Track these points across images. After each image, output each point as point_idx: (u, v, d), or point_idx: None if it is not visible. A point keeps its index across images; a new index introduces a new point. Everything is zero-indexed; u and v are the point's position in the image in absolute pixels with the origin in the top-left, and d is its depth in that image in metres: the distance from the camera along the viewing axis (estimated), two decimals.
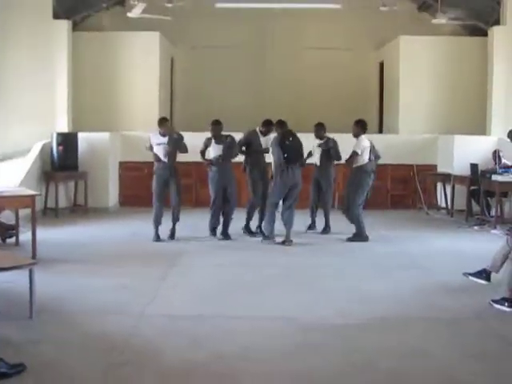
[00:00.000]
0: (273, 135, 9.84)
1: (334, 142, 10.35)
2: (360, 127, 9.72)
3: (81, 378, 4.40)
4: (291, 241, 9.34)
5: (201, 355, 4.81)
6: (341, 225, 10.28)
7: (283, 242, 9.31)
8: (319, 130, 10.42)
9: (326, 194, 10.42)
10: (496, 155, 11.58)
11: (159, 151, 9.62)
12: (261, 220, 10.03)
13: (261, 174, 10.02)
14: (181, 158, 12.95)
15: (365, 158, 9.53)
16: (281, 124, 9.76)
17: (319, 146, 10.26)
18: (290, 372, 4.56)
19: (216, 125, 9.86)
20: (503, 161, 11.63)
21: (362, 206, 9.73)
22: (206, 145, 9.95)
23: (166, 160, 9.61)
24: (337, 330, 5.47)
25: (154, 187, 9.73)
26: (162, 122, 9.85)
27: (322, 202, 10.49)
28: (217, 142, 9.79)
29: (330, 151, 10.30)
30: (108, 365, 4.61)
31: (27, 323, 5.44)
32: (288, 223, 9.40)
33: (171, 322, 5.59)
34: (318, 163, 10.37)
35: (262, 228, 9.80)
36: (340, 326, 5.58)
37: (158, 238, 9.58)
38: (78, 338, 5.16)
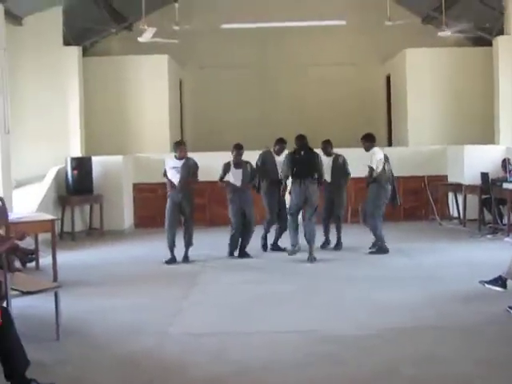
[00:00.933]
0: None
1: (344, 159, 10.45)
2: (369, 140, 9.83)
3: None
4: (315, 258, 9.33)
5: (224, 370, 4.94)
6: (355, 238, 10.41)
7: (308, 259, 9.32)
8: (327, 146, 10.48)
9: (338, 210, 10.44)
10: (506, 164, 11.67)
11: (173, 175, 9.57)
12: (277, 238, 10.27)
13: (276, 193, 10.13)
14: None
15: (378, 169, 9.60)
16: (298, 138, 9.74)
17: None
18: (311, 382, 4.68)
19: (240, 149, 9.86)
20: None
21: (381, 218, 9.78)
22: (225, 171, 9.87)
23: (177, 184, 9.55)
24: (354, 341, 5.58)
25: (167, 212, 9.68)
26: (178, 145, 9.79)
27: (334, 218, 10.51)
28: (236, 167, 9.82)
29: (342, 167, 10.39)
30: (134, 382, 4.72)
31: (54, 345, 5.58)
32: (310, 240, 9.40)
33: (194, 340, 5.72)
34: (329, 179, 10.42)
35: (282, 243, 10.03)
36: (357, 337, 5.69)
37: (172, 261, 9.55)
38: (104, 357, 5.30)
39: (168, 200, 9.74)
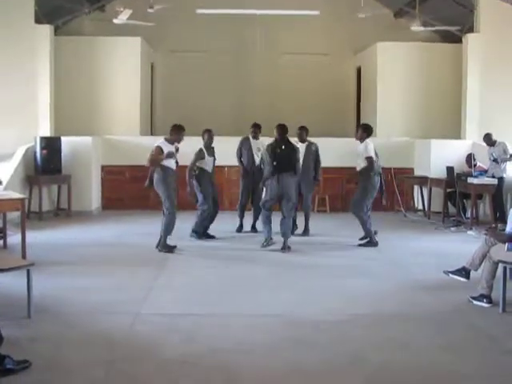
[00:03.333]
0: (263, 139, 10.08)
1: (316, 147, 10.54)
2: (363, 131, 9.70)
3: (82, 373, 4.57)
4: (289, 247, 9.28)
5: (196, 350, 5.03)
6: (323, 227, 10.56)
7: (281, 249, 9.27)
8: (302, 133, 10.55)
9: (306, 198, 10.58)
10: (471, 158, 11.93)
11: (170, 160, 9.26)
12: (254, 219, 10.51)
13: (250, 177, 10.42)
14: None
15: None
16: (281, 129, 9.49)
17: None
18: (282, 364, 4.79)
19: (210, 132, 9.99)
20: (478, 164, 11.98)
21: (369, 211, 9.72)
22: (201, 157, 9.80)
23: (174, 168, 9.27)
24: (324, 326, 5.70)
25: (171, 195, 9.19)
26: (181, 129, 9.38)
27: (303, 206, 10.61)
28: (209, 155, 9.89)
29: (314, 155, 10.48)
30: (107, 360, 4.79)
31: (26, 322, 5.60)
32: (285, 234, 9.33)
33: (166, 320, 5.79)
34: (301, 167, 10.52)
35: (259, 229, 10.10)
36: (327, 322, 5.81)
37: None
38: (76, 335, 5.34)
39: (167, 184, 9.15)
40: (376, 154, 9.63)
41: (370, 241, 9.70)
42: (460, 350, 5.12)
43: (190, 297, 6.67)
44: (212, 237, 10.08)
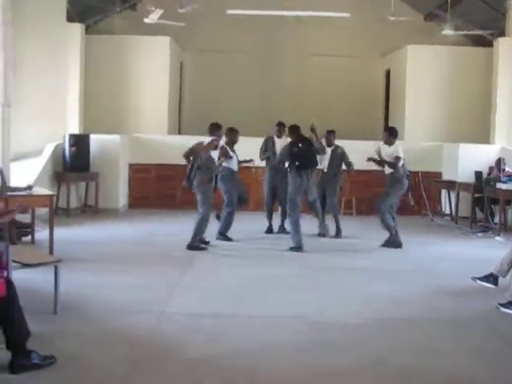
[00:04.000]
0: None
1: (343, 150, 10.54)
2: (390, 134, 9.72)
3: (106, 370, 4.59)
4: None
5: (220, 350, 5.04)
6: (350, 230, 10.54)
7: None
8: (330, 136, 10.59)
9: (331, 200, 10.60)
10: (500, 163, 11.82)
11: (233, 162, 9.61)
12: (283, 219, 10.51)
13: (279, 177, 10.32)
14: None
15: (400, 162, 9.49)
16: (292, 129, 9.72)
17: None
18: (305, 366, 4.78)
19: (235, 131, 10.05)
20: (507, 169, 11.84)
21: (395, 211, 9.71)
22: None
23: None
24: (348, 329, 5.69)
25: (210, 195, 9.28)
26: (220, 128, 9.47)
27: (328, 208, 10.64)
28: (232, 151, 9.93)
29: (340, 158, 10.49)
30: (131, 358, 4.81)
31: (52, 318, 5.66)
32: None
33: (190, 320, 5.81)
34: (326, 170, 10.55)
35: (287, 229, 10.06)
36: (350, 325, 5.81)
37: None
38: (101, 333, 5.38)
39: (207, 184, 9.24)
40: (403, 158, 9.57)
41: (390, 239, 9.58)
42: (484, 356, 5.07)
43: (214, 297, 6.69)
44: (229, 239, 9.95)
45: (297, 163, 9.27)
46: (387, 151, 9.60)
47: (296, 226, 9.36)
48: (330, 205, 10.61)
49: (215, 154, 9.26)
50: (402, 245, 9.62)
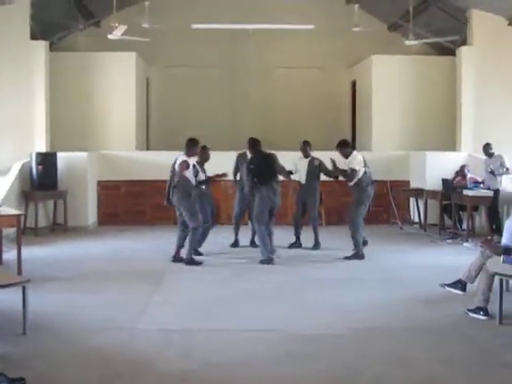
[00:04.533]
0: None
1: (320, 162, 10.58)
2: (346, 146, 9.74)
3: None
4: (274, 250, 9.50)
5: (192, 365, 5.02)
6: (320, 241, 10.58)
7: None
8: (305, 147, 10.63)
9: (311, 211, 10.63)
10: (464, 170, 12.00)
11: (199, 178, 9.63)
12: (253, 234, 10.44)
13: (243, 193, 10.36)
14: (158, 176, 13.24)
15: (360, 172, 9.48)
16: (251, 143, 9.86)
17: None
18: (278, 379, 4.79)
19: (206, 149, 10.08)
20: (469, 175, 11.98)
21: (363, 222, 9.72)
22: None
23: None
24: (321, 340, 5.69)
25: (194, 207, 9.29)
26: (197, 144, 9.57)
27: (309, 220, 10.67)
28: (202, 171, 9.90)
29: (317, 169, 10.54)
30: (104, 376, 4.77)
31: (21, 339, 5.58)
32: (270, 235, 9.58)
33: (162, 336, 5.77)
34: (304, 181, 10.59)
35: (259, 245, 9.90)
36: (323, 336, 5.80)
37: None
38: (72, 352, 5.32)
39: (195, 200, 9.41)
40: (366, 165, 9.60)
41: (356, 253, 9.63)
42: (457, 363, 5.11)
43: (186, 312, 6.66)
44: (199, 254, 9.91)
45: (255, 179, 9.35)
46: (348, 164, 9.67)
47: (264, 239, 9.37)
48: (311, 217, 10.64)
49: (190, 173, 9.25)
50: (364, 256, 9.64)
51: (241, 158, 10.58)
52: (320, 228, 10.91)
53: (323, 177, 10.71)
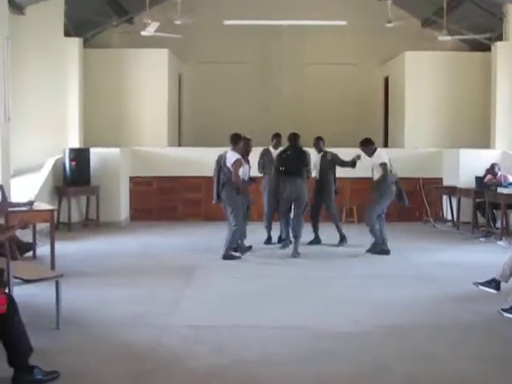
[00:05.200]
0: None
1: (332, 156, 10.56)
2: (369, 144, 9.76)
3: None
4: (298, 253, 9.53)
5: (223, 362, 5.03)
6: (348, 237, 10.53)
7: (292, 255, 9.51)
8: (318, 142, 10.62)
9: (329, 207, 10.60)
10: (494, 168, 11.83)
11: (245, 172, 9.64)
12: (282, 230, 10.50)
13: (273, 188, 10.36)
14: (190, 172, 13.29)
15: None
16: (288, 137, 10.07)
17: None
18: (308, 376, 4.77)
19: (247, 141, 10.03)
20: (499, 173, 11.79)
21: (384, 218, 9.77)
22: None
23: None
24: (350, 337, 5.67)
25: (241, 207, 9.43)
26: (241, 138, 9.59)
27: (329, 215, 10.66)
28: (246, 161, 9.88)
29: (331, 163, 10.51)
30: (134, 372, 4.80)
31: (54, 334, 5.65)
32: (296, 235, 9.65)
33: (193, 332, 5.80)
34: (318, 177, 10.58)
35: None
36: (353, 334, 5.78)
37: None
38: (103, 347, 5.37)
39: (239, 196, 9.42)
40: (390, 164, 9.63)
41: (377, 247, 9.69)
42: (488, 362, 5.05)
43: (216, 308, 6.68)
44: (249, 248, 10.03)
45: (283, 168, 9.67)
46: (372, 161, 9.69)
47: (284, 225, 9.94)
48: (331, 214, 10.62)
49: (241, 171, 9.36)
50: (390, 252, 9.68)
51: (266, 153, 10.58)
52: (352, 225, 10.84)
53: (351, 174, 10.61)
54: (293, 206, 9.85)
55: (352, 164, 10.34)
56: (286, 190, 9.67)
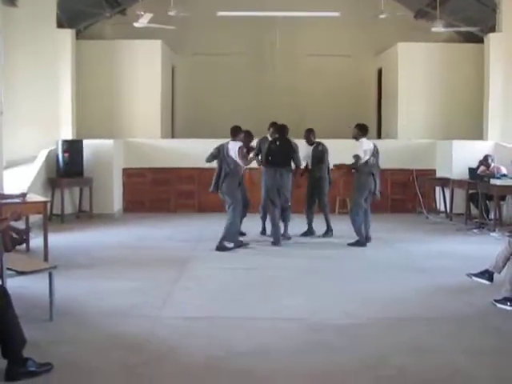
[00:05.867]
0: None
1: (323, 147, 10.57)
2: (359, 130, 9.79)
3: (103, 376, 4.59)
4: (289, 237, 10.10)
5: (217, 354, 5.02)
6: (341, 229, 10.53)
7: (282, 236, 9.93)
8: (309, 135, 10.68)
9: (320, 198, 10.62)
10: (487, 159, 11.85)
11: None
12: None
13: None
14: (183, 163, 13.29)
15: (363, 159, 9.60)
16: (277, 128, 10.25)
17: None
18: (304, 368, 4.77)
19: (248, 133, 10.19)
20: (492, 165, 11.81)
21: (366, 210, 9.83)
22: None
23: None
24: (345, 330, 5.67)
25: (240, 199, 9.61)
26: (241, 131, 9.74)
27: (319, 207, 10.69)
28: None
29: (322, 156, 10.51)
30: (128, 363, 4.79)
31: (48, 325, 5.64)
32: (284, 219, 10.09)
33: (186, 323, 5.80)
34: (311, 168, 10.59)
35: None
36: (347, 326, 5.78)
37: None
38: (97, 338, 5.36)
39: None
40: (374, 155, 9.69)
41: (358, 240, 9.74)
42: (482, 353, 5.06)
43: (209, 300, 6.68)
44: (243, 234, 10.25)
45: (270, 158, 9.88)
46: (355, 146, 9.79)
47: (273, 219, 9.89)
48: (322, 204, 10.64)
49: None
50: (366, 244, 9.76)
51: (263, 142, 10.59)
52: (345, 216, 10.84)
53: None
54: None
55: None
56: (271, 180, 9.84)
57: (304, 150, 10.59)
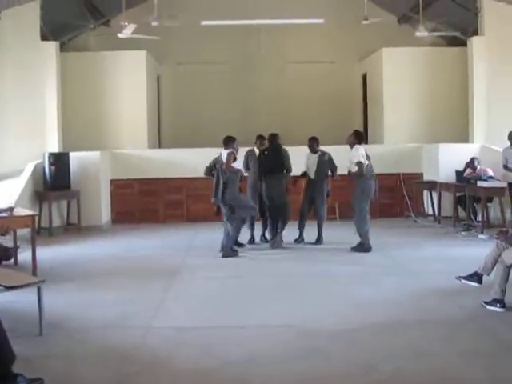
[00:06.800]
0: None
1: (329, 156, 10.56)
2: (355, 137, 9.78)
3: None
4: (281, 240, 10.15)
5: (210, 363, 4.99)
6: (332, 235, 10.53)
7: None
8: (313, 143, 10.62)
9: (319, 207, 10.59)
10: (474, 162, 11.88)
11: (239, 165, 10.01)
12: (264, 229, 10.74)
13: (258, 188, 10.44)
14: (170, 173, 13.28)
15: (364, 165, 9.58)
16: (268, 138, 10.41)
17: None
18: (296, 375, 4.75)
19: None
20: (479, 167, 11.84)
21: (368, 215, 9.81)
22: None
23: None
24: (337, 335, 5.66)
25: (245, 201, 9.90)
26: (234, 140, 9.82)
27: (316, 215, 10.64)
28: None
29: (328, 165, 10.52)
30: (120, 375, 4.77)
31: (38, 340, 5.59)
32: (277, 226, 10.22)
33: (178, 333, 5.77)
34: (312, 176, 10.56)
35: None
36: (339, 331, 5.77)
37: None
38: (88, 351, 5.32)
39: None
40: (368, 158, 9.70)
41: (362, 244, 9.72)
42: (474, 355, 5.06)
43: (201, 309, 6.66)
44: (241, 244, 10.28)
45: (260, 168, 10.10)
46: (350, 154, 9.72)
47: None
48: (319, 215, 10.60)
49: (235, 165, 9.55)
50: (371, 249, 9.72)
51: (250, 154, 10.58)
52: (334, 222, 10.87)
53: (338, 171, 10.64)
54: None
55: (335, 173, 10.63)
56: (263, 190, 10.08)
57: (305, 158, 10.58)
